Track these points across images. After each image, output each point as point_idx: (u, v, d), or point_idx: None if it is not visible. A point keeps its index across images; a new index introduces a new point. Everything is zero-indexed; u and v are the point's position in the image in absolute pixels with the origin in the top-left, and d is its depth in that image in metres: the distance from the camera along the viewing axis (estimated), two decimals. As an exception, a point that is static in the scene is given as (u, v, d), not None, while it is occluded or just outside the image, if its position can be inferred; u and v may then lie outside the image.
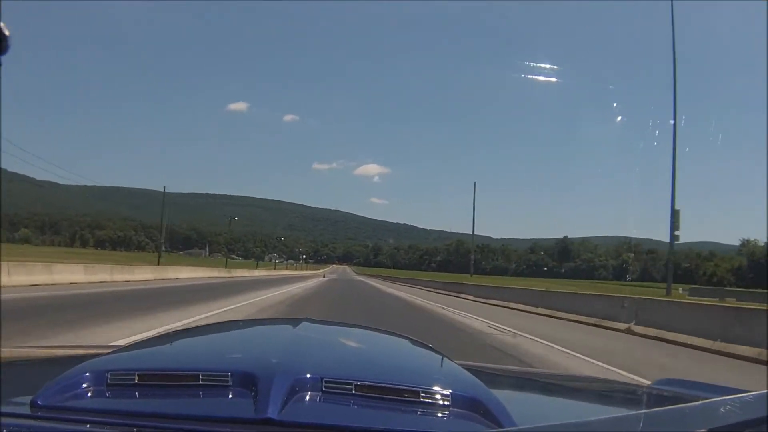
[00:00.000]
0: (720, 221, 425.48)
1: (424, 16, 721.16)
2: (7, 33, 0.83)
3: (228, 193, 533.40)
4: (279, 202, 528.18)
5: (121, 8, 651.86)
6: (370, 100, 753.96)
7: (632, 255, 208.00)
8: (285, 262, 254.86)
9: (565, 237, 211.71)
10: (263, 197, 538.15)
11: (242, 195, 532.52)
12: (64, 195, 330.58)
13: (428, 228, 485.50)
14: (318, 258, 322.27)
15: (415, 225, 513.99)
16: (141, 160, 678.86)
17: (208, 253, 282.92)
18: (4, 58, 0.85)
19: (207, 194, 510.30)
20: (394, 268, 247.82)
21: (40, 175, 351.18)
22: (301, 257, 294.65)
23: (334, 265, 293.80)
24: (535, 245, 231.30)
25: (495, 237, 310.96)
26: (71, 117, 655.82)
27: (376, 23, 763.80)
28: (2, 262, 15.92)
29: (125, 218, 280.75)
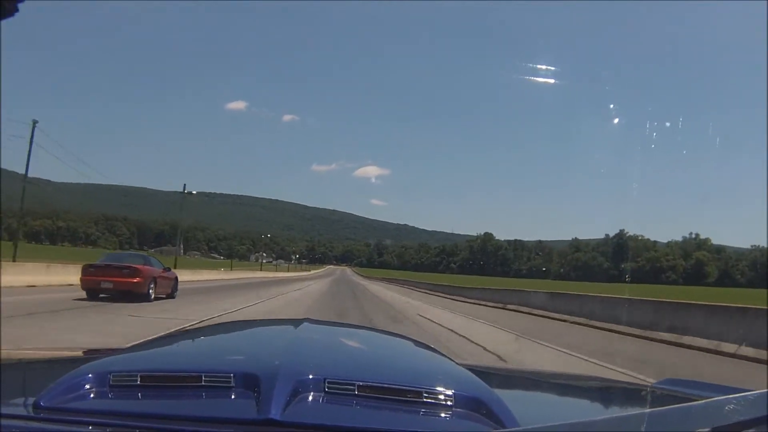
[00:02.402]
0: (720, 222, 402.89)
1: (424, 18, 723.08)
2: None
3: (225, 192, 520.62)
4: (276, 201, 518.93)
5: (119, 6, 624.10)
6: (369, 101, 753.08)
7: (707, 254, 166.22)
8: (273, 262, 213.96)
9: (622, 231, 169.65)
10: (260, 196, 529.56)
11: (239, 194, 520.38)
12: (54, 192, 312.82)
13: (429, 229, 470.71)
14: (313, 258, 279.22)
15: (416, 226, 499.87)
16: (137, 159, 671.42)
17: (182, 252, 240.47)
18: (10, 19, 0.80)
19: (203, 193, 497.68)
20: (403, 269, 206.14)
21: (31, 171, 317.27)
22: (293, 257, 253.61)
23: (331, 266, 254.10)
24: (575, 242, 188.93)
25: (498, 238, 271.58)
26: (67, 115, 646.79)
27: (376, 24, 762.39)
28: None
29: (100, 213, 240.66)
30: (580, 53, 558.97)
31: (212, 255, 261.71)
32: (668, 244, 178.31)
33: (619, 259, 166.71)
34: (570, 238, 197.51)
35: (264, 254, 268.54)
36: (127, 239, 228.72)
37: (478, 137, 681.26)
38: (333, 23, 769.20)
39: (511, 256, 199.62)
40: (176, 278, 16.93)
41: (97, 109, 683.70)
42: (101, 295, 14.09)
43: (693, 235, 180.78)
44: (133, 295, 13.83)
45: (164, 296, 15.53)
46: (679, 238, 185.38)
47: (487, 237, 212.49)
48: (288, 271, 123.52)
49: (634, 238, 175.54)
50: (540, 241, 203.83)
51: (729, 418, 0.73)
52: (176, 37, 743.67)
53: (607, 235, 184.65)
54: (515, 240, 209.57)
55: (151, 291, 14.45)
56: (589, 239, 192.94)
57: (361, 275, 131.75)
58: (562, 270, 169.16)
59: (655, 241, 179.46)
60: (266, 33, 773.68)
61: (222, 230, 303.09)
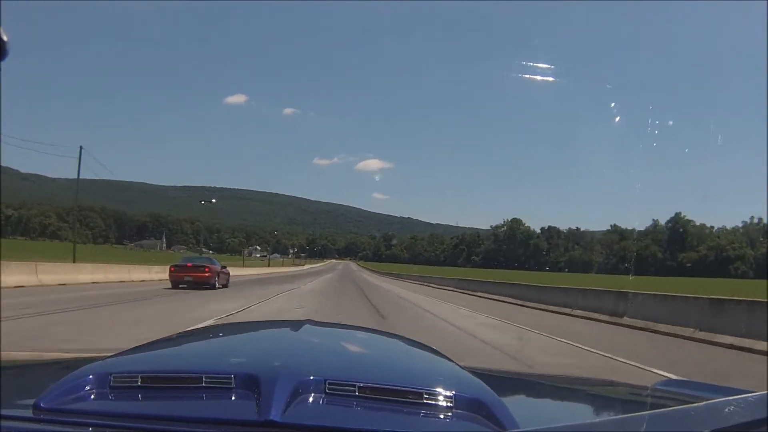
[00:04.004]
0: (720, 219, 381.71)
1: (425, 13, 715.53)
2: (5, 38, 0.81)
3: (225, 186, 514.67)
4: (277, 195, 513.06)
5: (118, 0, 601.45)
6: (370, 95, 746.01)
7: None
8: (268, 256, 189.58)
9: (678, 214, 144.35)
10: (261, 190, 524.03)
11: (239, 188, 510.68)
12: (50, 187, 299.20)
13: (434, 222, 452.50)
14: (312, 251, 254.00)
15: (420, 219, 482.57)
16: (136, 154, 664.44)
17: (165, 246, 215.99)
18: (3, 63, 0.83)
19: (202, 187, 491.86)
20: (413, 263, 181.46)
21: (26, 168, 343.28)
22: (290, 250, 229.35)
23: (333, 260, 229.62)
24: (614, 230, 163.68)
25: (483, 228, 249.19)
26: (66, 111, 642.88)
27: (378, 19, 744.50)
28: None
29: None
30: (581, 50, 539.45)
31: (200, 249, 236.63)
32: (733, 231, 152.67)
33: (675, 248, 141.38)
34: (608, 227, 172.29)
35: (258, 247, 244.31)
36: (102, 232, 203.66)
37: (480, 130, 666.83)
38: (334, 17, 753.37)
39: (545, 246, 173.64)
40: (229, 273, 24.02)
41: (94, 104, 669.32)
42: (180, 285, 20.20)
43: (756, 220, 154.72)
44: (205, 285, 20.26)
45: (221, 286, 21.81)
46: (737, 224, 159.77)
47: (515, 224, 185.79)
48: (268, 265, 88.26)
49: (689, 222, 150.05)
50: (577, 229, 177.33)
51: (729, 419, 0.73)
52: (175, 31, 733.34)
53: (655, 220, 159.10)
54: (549, 227, 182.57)
55: (216, 282, 21.09)
56: (626, 228, 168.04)
57: (372, 271, 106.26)
58: (607, 262, 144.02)
59: (712, 227, 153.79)
60: (266, 26, 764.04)
61: (218, 223, 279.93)
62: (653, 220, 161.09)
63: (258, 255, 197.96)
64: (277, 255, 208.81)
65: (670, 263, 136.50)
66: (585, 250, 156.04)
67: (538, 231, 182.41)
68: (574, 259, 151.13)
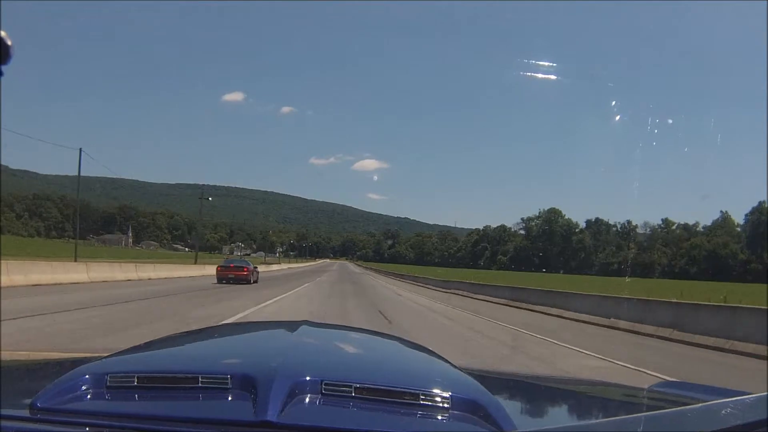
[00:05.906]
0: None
1: (424, 12, 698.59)
2: (9, 42, 0.82)
3: (220, 184, 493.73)
4: (273, 193, 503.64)
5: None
6: (368, 94, 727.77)
7: None
8: (252, 255, 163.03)
9: (762, 203, 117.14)
10: (256, 188, 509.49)
11: (234, 186, 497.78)
12: (40, 184, 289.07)
13: (431, 222, 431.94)
14: (302, 249, 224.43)
15: (417, 219, 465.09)
16: (131, 151, 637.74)
17: (132, 241, 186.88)
18: (5, 67, 0.84)
19: (196, 184, 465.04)
20: (419, 263, 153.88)
21: (15, 164, 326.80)
22: (279, 249, 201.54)
23: (327, 260, 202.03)
24: (666, 224, 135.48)
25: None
26: (61, 108, 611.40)
27: (376, 17, 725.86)
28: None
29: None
30: (581, 50, 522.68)
31: (174, 246, 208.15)
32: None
33: (758, 247, 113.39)
34: (659, 221, 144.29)
35: (241, 244, 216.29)
36: (58, 224, 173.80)
37: (479, 130, 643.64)
38: (333, 16, 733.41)
39: (590, 244, 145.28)
40: (259, 271, 31.78)
41: (90, 101, 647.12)
42: (223, 281, 26.45)
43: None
44: (243, 281, 26.68)
45: (254, 282, 28.17)
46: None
47: (553, 214, 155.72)
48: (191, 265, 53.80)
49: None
50: (629, 223, 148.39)
51: (726, 421, 0.73)
52: (172, 27, 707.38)
53: (723, 212, 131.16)
54: (596, 219, 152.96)
55: (251, 279, 27.65)
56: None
57: (385, 274, 76.04)
58: (683, 263, 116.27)
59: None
60: (264, 24, 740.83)
61: (206, 219, 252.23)
62: (721, 212, 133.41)
63: (240, 253, 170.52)
64: (261, 253, 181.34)
65: (755, 266, 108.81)
66: (641, 248, 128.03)
67: (582, 224, 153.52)
68: (630, 261, 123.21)
